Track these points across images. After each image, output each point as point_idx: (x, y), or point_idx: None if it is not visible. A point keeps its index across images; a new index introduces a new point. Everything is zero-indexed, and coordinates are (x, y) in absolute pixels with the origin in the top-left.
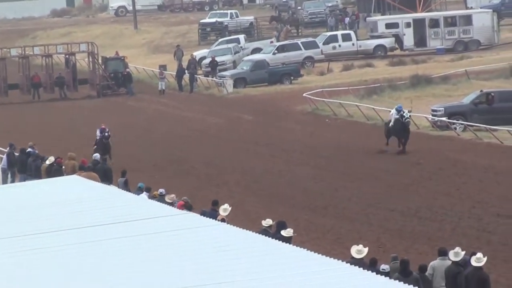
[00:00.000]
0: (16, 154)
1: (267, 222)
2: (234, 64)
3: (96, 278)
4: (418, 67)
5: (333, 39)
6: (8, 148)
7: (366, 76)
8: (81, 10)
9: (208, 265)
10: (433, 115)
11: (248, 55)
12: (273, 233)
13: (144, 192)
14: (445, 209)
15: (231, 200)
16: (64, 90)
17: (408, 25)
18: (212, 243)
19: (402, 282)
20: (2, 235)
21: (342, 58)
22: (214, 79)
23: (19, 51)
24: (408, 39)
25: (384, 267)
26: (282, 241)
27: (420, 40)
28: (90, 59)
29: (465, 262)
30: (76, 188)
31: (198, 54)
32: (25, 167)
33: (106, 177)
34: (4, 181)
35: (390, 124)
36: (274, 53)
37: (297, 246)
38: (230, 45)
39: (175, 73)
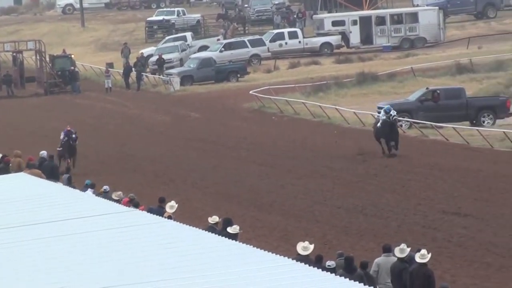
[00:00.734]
0: None
1: (214, 219)
2: (181, 62)
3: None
4: (365, 65)
5: (280, 36)
6: None
7: (312, 74)
8: (29, 8)
9: (154, 262)
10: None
11: (195, 52)
12: (220, 230)
13: (89, 189)
14: (391, 206)
15: (177, 197)
16: (11, 88)
17: (354, 22)
18: (159, 240)
19: (346, 279)
20: None
21: (288, 55)
22: (161, 76)
23: None
24: (355, 37)
25: (330, 263)
26: (229, 238)
27: (367, 38)
28: (38, 57)
29: (411, 259)
30: (22, 185)
31: (145, 52)
32: None
33: (52, 175)
34: None
35: (378, 125)
36: (221, 51)
37: (243, 243)
38: (177, 43)
39: (121, 71)
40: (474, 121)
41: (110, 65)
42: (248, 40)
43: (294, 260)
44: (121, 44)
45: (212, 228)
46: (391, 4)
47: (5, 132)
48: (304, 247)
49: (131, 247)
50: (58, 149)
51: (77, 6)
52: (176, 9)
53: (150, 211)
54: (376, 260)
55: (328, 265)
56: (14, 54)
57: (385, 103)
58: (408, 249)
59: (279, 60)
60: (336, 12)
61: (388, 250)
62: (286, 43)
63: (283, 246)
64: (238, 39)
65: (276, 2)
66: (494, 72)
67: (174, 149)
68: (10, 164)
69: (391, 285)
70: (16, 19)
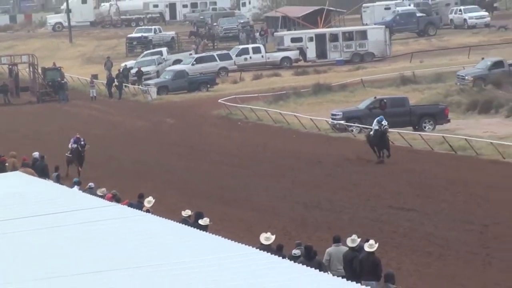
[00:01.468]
0: None
1: (187, 213)
2: (158, 74)
3: (28, 265)
4: (320, 77)
5: (245, 51)
6: None
7: (273, 85)
8: (23, 26)
9: (134, 251)
10: (332, 119)
11: (170, 65)
12: (192, 222)
13: (76, 186)
14: (343, 201)
15: (155, 193)
16: (8, 96)
17: (311, 39)
18: (138, 231)
19: (305, 266)
20: None
21: (252, 68)
22: (140, 87)
23: None
24: (311, 52)
25: (296, 251)
26: (200, 229)
27: (322, 53)
28: (31, 69)
29: (360, 248)
30: (17, 182)
31: (128, 64)
32: None
33: (43, 173)
34: None
35: (371, 133)
36: (193, 64)
37: (212, 234)
38: (154, 57)
39: (105, 82)
40: (417, 127)
41: (94, 76)
42: (217, 55)
43: (258, 249)
44: (105, 58)
45: (185, 221)
46: (343, 23)
47: (2, 135)
48: (267, 238)
49: (113, 238)
50: (67, 154)
51: (66, 24)
52: (153, 27)
53: (131, 205)
54: (328, 250)
55: (294, 253)
56: (10, 66)
57: (338, 111)
58: (359, 240)
59: (244, 73)
60: (295, 30)
61: (338, 240)
62: (250, 57)
63: (247, 237)
64: (208, 53)
65: (242, 21)
66: (434, 83)
67: (152, 151)
68: (6, 164)
69: (343, 272)
70: (11, 36)
